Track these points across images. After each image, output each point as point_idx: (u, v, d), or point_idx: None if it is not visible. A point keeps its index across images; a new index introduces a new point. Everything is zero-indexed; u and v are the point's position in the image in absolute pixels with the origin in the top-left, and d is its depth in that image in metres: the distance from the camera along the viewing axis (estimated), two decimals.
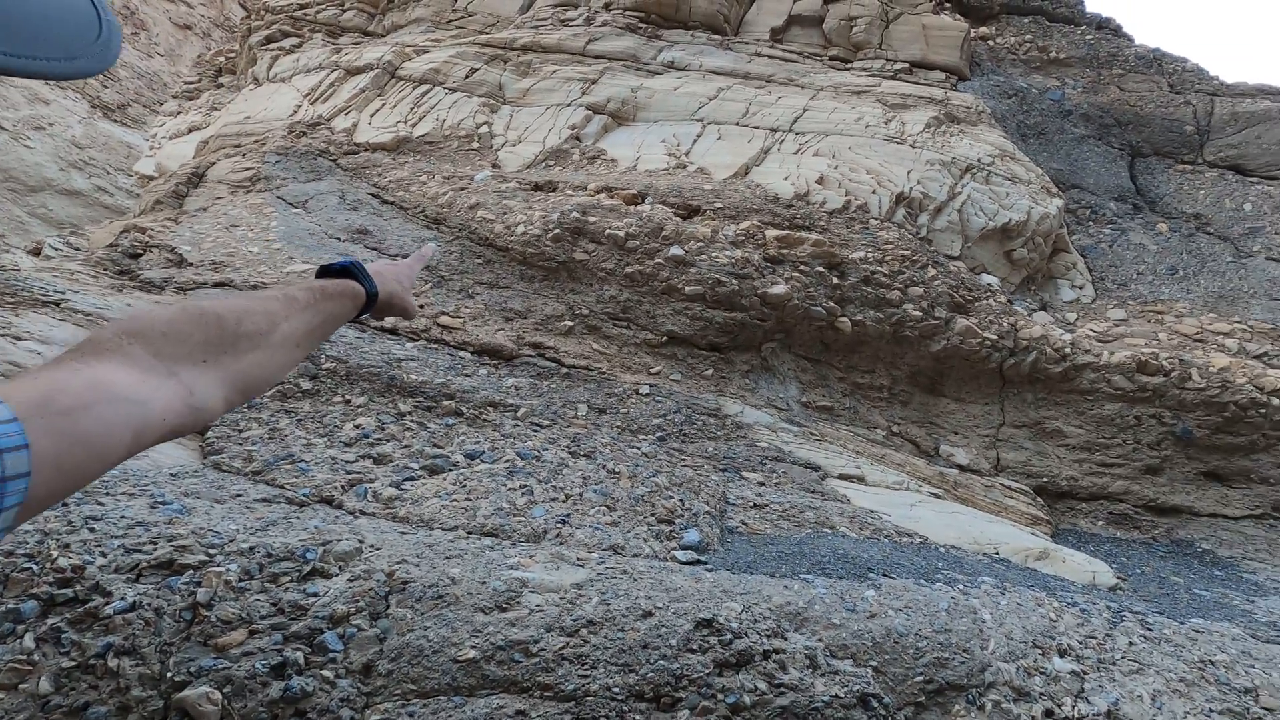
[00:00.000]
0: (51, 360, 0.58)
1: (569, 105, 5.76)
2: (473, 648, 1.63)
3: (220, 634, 1.56)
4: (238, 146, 5.99)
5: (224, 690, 1.48)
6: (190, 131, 7.57)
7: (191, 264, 4.04)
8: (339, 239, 4.52)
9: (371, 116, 5.91)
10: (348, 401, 2.98)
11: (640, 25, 6.44)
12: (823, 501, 3.19)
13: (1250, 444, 4.38)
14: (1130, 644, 2.22)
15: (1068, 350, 4.47)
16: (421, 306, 3.91)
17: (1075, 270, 5.38)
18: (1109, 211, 5.75)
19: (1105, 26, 6.66)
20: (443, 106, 5.88)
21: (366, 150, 5.53)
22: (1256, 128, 5.94)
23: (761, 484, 3.28)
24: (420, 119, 5.78)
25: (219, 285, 3.79)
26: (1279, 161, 5.85)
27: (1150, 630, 2.33)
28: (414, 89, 6.10)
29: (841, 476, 3.64)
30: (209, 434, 2.58)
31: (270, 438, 2.60)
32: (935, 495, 3.75)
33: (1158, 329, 4.85)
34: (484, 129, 5.66)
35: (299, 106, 6.37)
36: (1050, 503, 4.34)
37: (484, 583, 1.80)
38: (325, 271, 0.91)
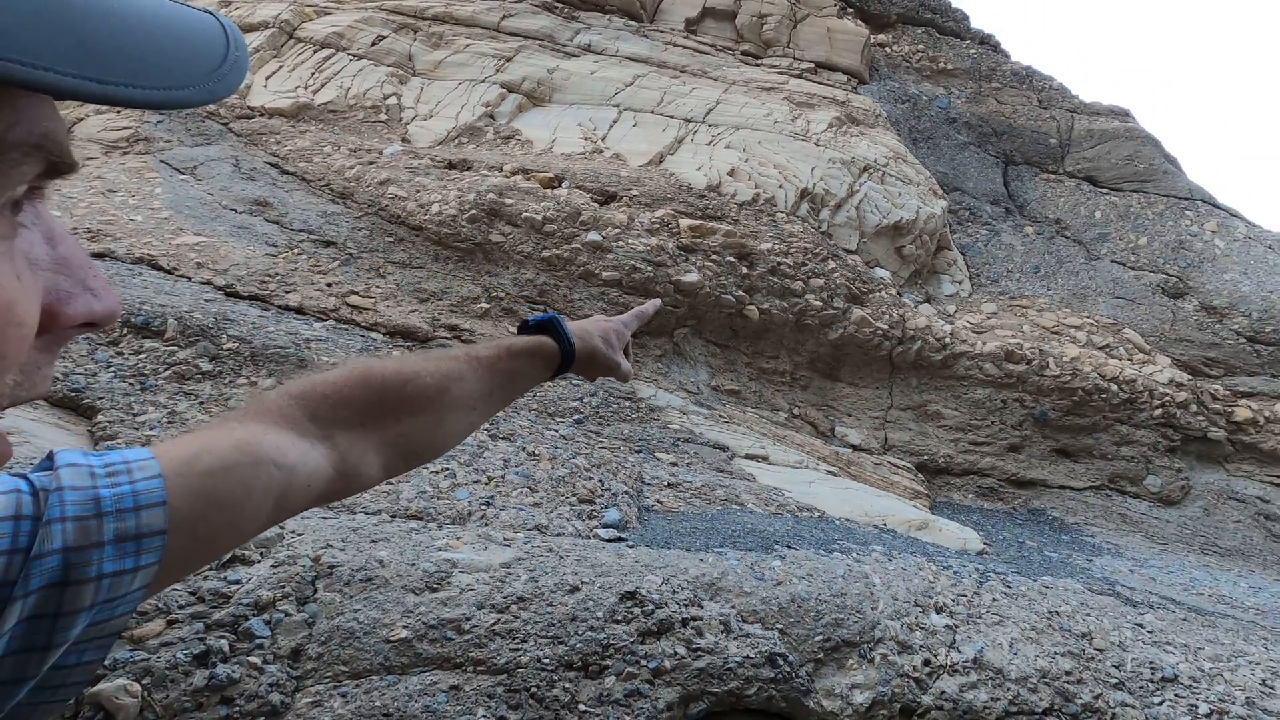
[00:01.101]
0: (216, 419, 0.57)
1: (483, 82, 5.65)
2: (404, 628, 1.67)
3: (135, 625, 1.52)
4: None
5: (143, 682, 1.44)
6: None
7: None
8: (235, 210, 4.25)
9: (267, 79, 5.54)
10: (253, 384, 2.86)
11: (556, 4, 6.38)
12: (731, 480, 3.38)
13: (1093, 424, 5.01)
14: (994, 600, 2.54)
15: (948, 340, 4.91)
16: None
17: (955, 267, 5.88)
18: (985, 214, 6.32)
19: (987, 42, 7.24)
20: (347, 74, 5.60)
21: (263, 115, 5.20)
22: (1108, 144, 6.68)
23: (675, 464, 3.43)
24: (322, 85, 5.49)
25: (97, 256, 3.49)
26: (1124, 175, 6.62)
27: (1010, 588, 2.67)
28: (315, 52, 5.77)
29: (748, 456, 3.86)
30: (98, 418, 2.41)
31: (170, 421, 2.47)
32: (831, 473, 4.05)
33: (1022, 322, 5.41)
34: (392, 100, 5.45)
35: None
36: (929, 478, 4.79)
37: (413, 564, 1.82)
38: (525, 326, 0.85)
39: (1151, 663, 2.43)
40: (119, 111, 5.14)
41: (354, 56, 5.72)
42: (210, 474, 0.52)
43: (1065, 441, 5.04)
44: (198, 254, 3.72)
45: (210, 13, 0.40)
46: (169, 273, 3.50)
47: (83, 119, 5.25)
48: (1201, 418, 5.13)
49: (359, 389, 0.64)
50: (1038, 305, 5.67)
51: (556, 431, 3.30)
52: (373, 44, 5.79)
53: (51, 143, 0.33)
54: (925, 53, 7.05)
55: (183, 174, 4.50)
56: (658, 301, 1.13)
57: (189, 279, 3.49)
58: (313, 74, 5.58)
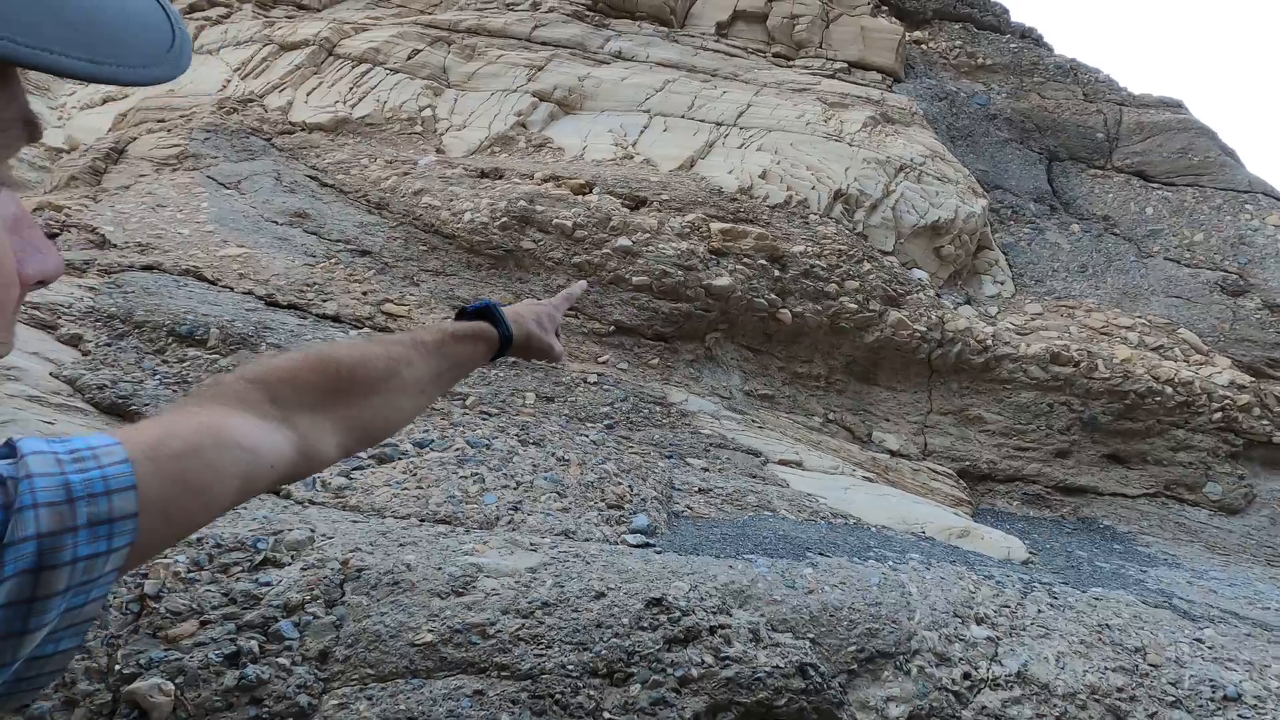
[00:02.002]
0: (175, 403, 0.59)
1: (515, 91, 5.72)
2: (430, 631, 1.67)
3: (170, 625, 1.55)
4: (161, 121, 5.69)
5: (176, 681, 1.47)
6: (105, 102, 7.11)
7: (115, 245, 3.85)
8: (276, 222, 4.38)
9: (308, 95, 5.71)
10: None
11: (587, 13, 6.43)
12: (764, 486, 3.33)
13: (1147, 429, 4.79)
14: (1039, 611, 2.43)
15: (989, 342, 4.76)
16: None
17: (997, 267, 5.71)
18: (1028, 212, 6.12)
19: (1028, 36, 7.04)
20: (384, 87, 5.73)
21: (303, 130, 5.35)
22: (1158, 137, 6.42)
23: (706, 470, 3.39)
24: (360, 99, 5.63)
25: (146, 268, 3.63)
26: (1177, 169, 6.34)
27: (1056, 599, 2.55)
28: (353, 68, 5.92)
29: (781, 462, 3.79)
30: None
31: None
32: (868, 479, 3.96)
33: (1069, 323, 5.22)
34: (427, 112, 5.56)
35: (228, 81, 6.09)
36: (971, 484, 4.64)
37: (439, 569, 1.83)
38: (462, 313, 0.89)
39: (1212, 680, 2.30)
40: (85, 85, 5.35)
41: (390, 71, 5.85)
42: (178, 457, 0.53)
43: (1117, 447, 4.83)
44: (240, 265, 3.84)
45: None
46: (213, 283, 3.62)
47: (136, 138, 5.48)
48: (1265, 421, 4.86)
49: (315, 373, 0.66)
50: (1085, 305, 5.46)
51: (587, 437, 3.29)
52: (408, 58, 5.91)
53: (32, 114, 0.36)
54: (963, 48, 6.89)
55: (227, 188, 4.65)
56: (584, 284, 1.18)
57: (231, 289, 3.60)
58: (351, 88, 5.73)
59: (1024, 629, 2.31)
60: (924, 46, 6.95)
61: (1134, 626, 2.49)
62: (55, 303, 3.08)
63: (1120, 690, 2.16)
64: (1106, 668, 2.22)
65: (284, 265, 3.93)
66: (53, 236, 3.90)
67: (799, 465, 3.84)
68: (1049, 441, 4.77)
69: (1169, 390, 4.74)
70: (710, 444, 3.70)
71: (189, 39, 0.41)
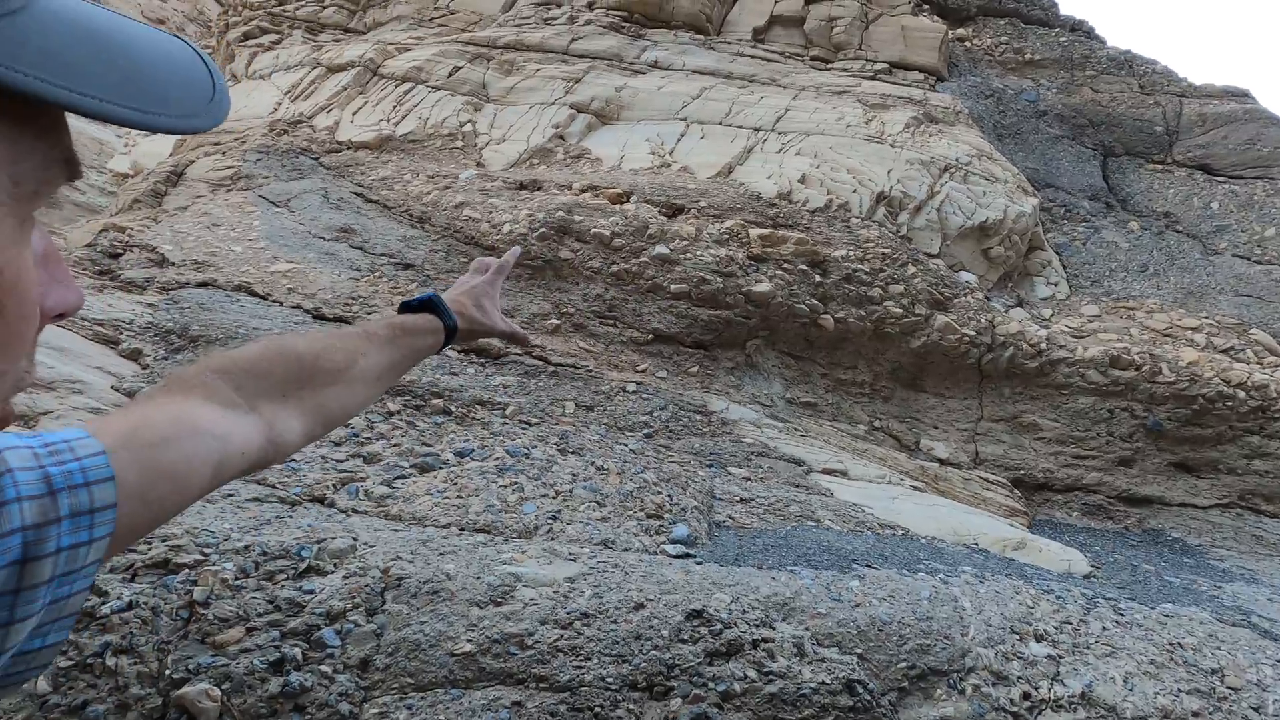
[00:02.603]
0: (141, 395, 0.61)
1: (553, 104, 5.78)
2: (469, 641, 1.66)
3: (218, 631, 1.58)
4: (217, 144, 5.93)
5: (223, 687, 1.49)
6: None
7: (173, 264, 4.00)
8: (323, 238, 4.50)
9: (354, 115, 5.88)
10: None
11: (624, 24, 6.46)
12: (807, 495, 3.25)
13: (1217, 436, 4.52)
14: (1104, 629, 2.30)
15: (1043, 346, 4.58)
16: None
17: (1050, 268, 5.50)
18: (1083, 210, 5.89)
19: (1078, 29, 6.80)
20: (426, 105, 5.86)
21: (349, 149, 5.50)
22: (1223, 128, 6.11)
23: (747, 479, 3.33)
24: (403, 117, 5.77)
25: (202, 285, 3.77)
26: (1244, 161, 6.02)
27: (1122, 615, 2.41)
28: (396, 87, 6.07)
29: (825, 471, 3.70)
30: None
31: None
32: (916, 488, 3.83)
33: (1129, 325, 4.98)
34: (468, 128, 5.66)
35: (279, 104, 6.32)
36: (1027, 494, 4.45)
37: (478, 578, 1.83)
38: (406, 306, 0.93)
39: None
40: (144, 135, 5.58)
41: (432, 88, 5.99)
42: (152, 446, 0.54)
43: (1185, 454, 4.58)
44: (289, 280, 3.95)
45: (185, 41, 0.45)
46: (263, 298, 3.73)
47: (194, 161, 5.72)
48: None
49: (277, 363, 0.69)
50: (1147, 306, 5.21)
51: (626, 446, 3.27)
52: (449, 75, 6.04)
53: (74, 155, 0.38)
54: (1009, 44, 6.69)
55: (278, 206, 4.81)
56: (517, 249, 1.19)
57: (281, 304, 3.70)
58: (394, 107, 5.87)
59: (1088, 647, 2.19)
60: (968, 44, 6.77)
61: (1209, 646, 2.33)
62: (117, 319, 3.22)
63: (1196, 715, 2.03)
64: (1180, 690, 2.08)
65: (330, 280, 4.04)
66: (116, 256, 4.10)
67: (844, 474, 3.75)
68: (1110, 449, 4.55)
69: (1241, 394, 4.47)
70: (751, 453, 3.64)
71: (227, 92, 0.43)
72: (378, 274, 4.23)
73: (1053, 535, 3.90)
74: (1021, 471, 4.52)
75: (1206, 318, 5.08)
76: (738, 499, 3.00)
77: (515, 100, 5.88)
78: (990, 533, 3.24)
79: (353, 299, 3.90)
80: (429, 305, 0.92)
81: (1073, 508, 4.45)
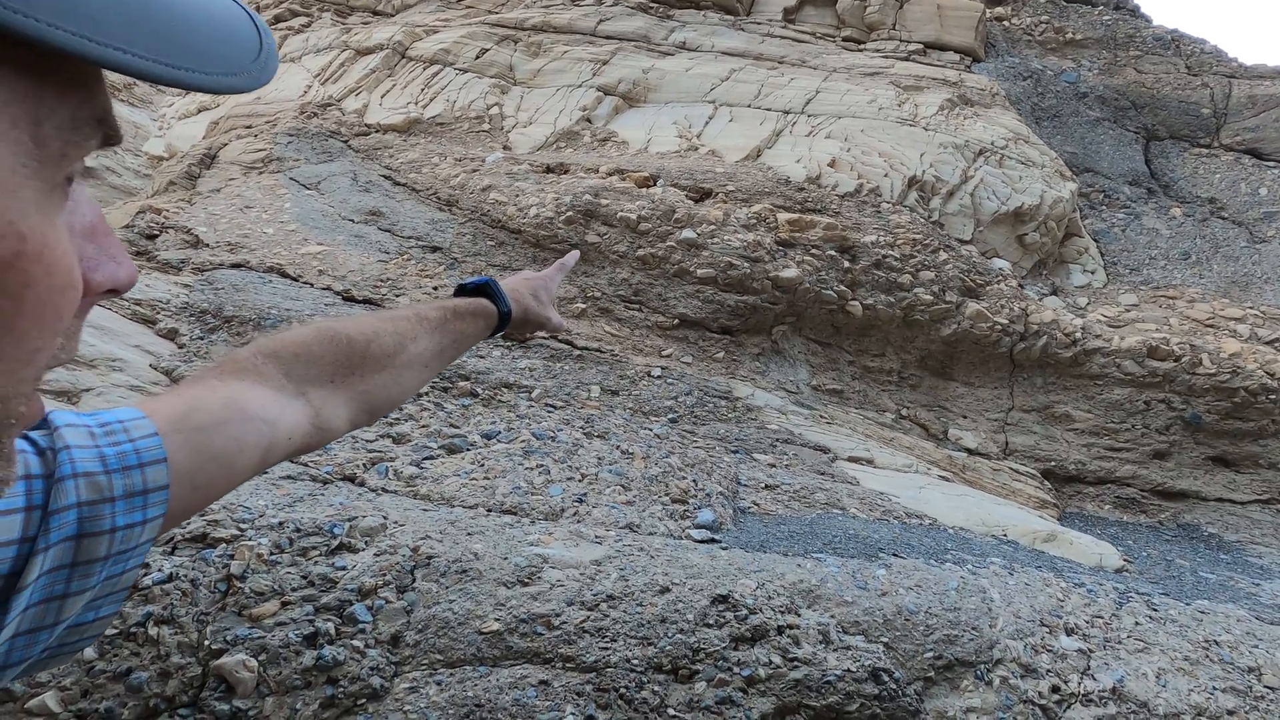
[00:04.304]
0: (192, 376, 0.61)
1: (580, 86, 5.74)
2: (496, 620, 1.68)
3: (254, 605, 1.62)
4: (249, 127, 6.00)
5: (259, 658, 1.53)
6: (200, 111, 7.57)
7: (208, 245, 4.08)
8: (352, 220, 4.54)
9: (382, 97, 5.90)
10: None
11: (652, 5, 6.39)
12: (833, 483, 3.23)
13: (1259, 429, 4.39)
14: (1136, 624, 2.26)
15: (1078, 335, 4.47)
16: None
17: (1087, 255, 5.36)
18: (1123, 195, 5.72)
19: (1123, 7, 6.56)
20: (453, 87, 5.86)
21: (378, 131, 5.53)
22: (1275, 110, 5.87)
23: (772, 465, 3.32)
24: (431, 100, 5.78)
25: (235, 266, 3.83)
26: None
27: (1156, 611, 2.37)
28: (424, 69, 6.08)
29: (851, 459, 3.67)
30: None
31: None
32: (944, 478, 3.78)
33: (1169, 314, 4.84)
34: (495, 110, 5.65)
35: (309, 87, 6.37)
36: (1058, 486, 4.37)
37: (505, 558, 1.85)
38: (462, 290, 0.91)
39: None
40: (182, 94, 5.64)
41: (460, 71, 5.98)
42: (204, 429, 0.55)
43: (1224, 448, 4.46)
44: (319, 262, 4.00)
45: (236, 2, 0.42)
46: (294, 280, 3.78)
47: (226, 144, 5.81)
48: None
49: (327, 347, 0.68)
50: (1188, 295, 5.06)
51: (651, 430, 3.27)
52: (477, 57, 6.03)
53: (111, 117, 0.35)
54: (1050, 24, 6.48)
55: (308, 189, 4.86)
56: (576, 254, 1.18)
57: (311, 285, 3.75)
58: (422, 90, 5.88)
59: (1119, 642, 2.15)
60: (1006, 23, 6.57)
61: (1247, 644, 2.28)
62: (155, 299, 3.29)
63: (1231, 713, 1.99)
64: (1215, 688, 2.04)
65: (359, 262, 4.08)
66: (153, 237, 4.18)
67: (870, 463, 3.71)
68: (1145, 442, 4.45)
69: None
70: (777, 439, 3.62)
71: (275, 52, 0.41)
72: (406, 256, 4.26)
73: (1083, 528, 3.83)
74: (1052, 463, 4.44)
75: (1251, 308, 4.92)
76: (763, 485, 2.99)
77: (542, 83, 5.86)
78: (1019, 524, 3.19)
79: (381, 281, 3.94)
80: (484, 290, 0.90)
81: (1105, 501, 4.36)
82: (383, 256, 4.22)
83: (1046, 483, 4.28)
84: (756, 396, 3.96)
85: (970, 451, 4.31)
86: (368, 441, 2.58)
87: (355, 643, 1.61)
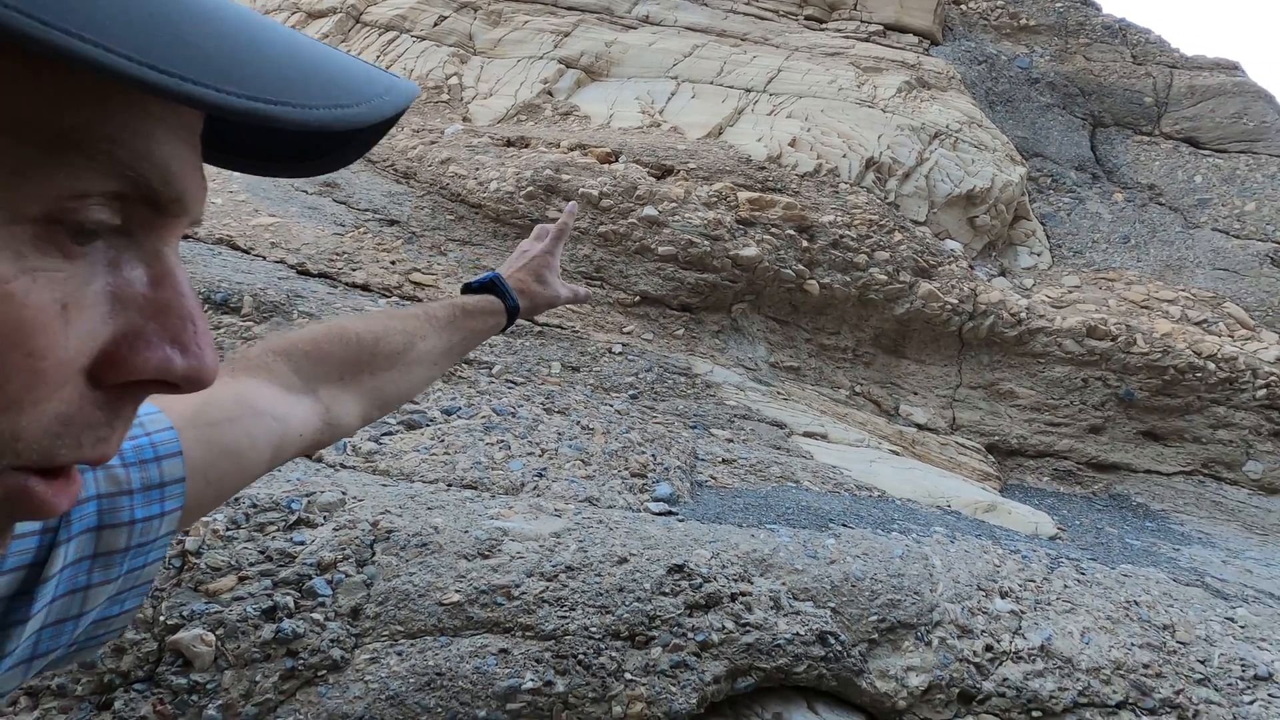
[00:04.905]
0: None
1: (541, 58, 5.65)
2: (457, 592, 1.71)
3: (210, 580, 1.61)
4: None
5: (217, 632, 1.54)
6: None
7: None
8: (305, 191, 4.42)
9: None
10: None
11: None
12: (788, 457, 3.32)
13: (1185, 405, 4.66)
14: (1065, 586, 2.41)
15: (1023, 315, 4.65)
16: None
17: (1034, 238, 5.55)
18: (1069, 180, 5.92)
19: None
20: (410, 55, 5.71)
21: None
22: (1211, 101, 6.12)
23: (730, 441, 3.40)
24: (388, 68, 5.60)
25: (183, 238, 3.70)
26: (1230, 135, 6.06)
27: (1084, 574, 2.53)
28: (380, 35, 5.90)
29: (806, 434, 3.78)
30: None
31: None
32: (894, 452, 3.93)
33: (1108, 296, 5.07)
34: (454, 80, 5.53)
35: None
36: (1001, 459, 4.58)
37: (466, 531, 1.87)
38: (468, 288, 0.92)
39: (1243, 659, 2.26)
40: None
41: (417, 38, 5.82)
42: (217, 425, 0.56)
43: (1154, 423, 4.72)
44: (272, 234, 3.89)
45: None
46: (246, 252, 3.68)
47: None
48: None
49: (336, 345, 0.69)
50: (1126, 278, 5.29)
51: (611, 406, 3.31)
52: (434, 25, 5.87)
53: (144, 164, 0.28)
54: (1005, 9, 6.61)
55: None
56: (574, 205, 1.17)
57: (264, 258, 3.66)
58: (378, 57, 5.71)
59: (1049, 603, 2.30)
60: (963, 7, 6.68)
61: (1163, 604, 2.46)
62: None
63: (1146, 666, 2.15)
64: (1133, 644, 2.20)
65: (314, 234, 3.98)
66: None
67: (824, 438, 3.83)
68: (1082, 417, 4.68)
69: (1211, 366, 4.60)
70: (735, 415, 3.70)
71: (411, 85, 0.36)
72: (362, 229, 4.18)
73: (1023, 499, 4.03)
74: (996, 437, 4.64)
75: (1183, 290, 5.18)
76: (720, 460, 3.07)
77: (503, 53, 5.75)
78: (963, 495, 3.34)
79: (337, 254, 3.86)
80: (491, 286, 0.91)
81: (1043, 473, 4.59)
82: (338, 229, 4.13)
83: (990, 456, 4.48)
84: (715, 373, 4.03)
85: (920, 427, 4.48)
86: None
87: (315, 616, 1.62)
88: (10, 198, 0.25)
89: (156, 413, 0.52)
